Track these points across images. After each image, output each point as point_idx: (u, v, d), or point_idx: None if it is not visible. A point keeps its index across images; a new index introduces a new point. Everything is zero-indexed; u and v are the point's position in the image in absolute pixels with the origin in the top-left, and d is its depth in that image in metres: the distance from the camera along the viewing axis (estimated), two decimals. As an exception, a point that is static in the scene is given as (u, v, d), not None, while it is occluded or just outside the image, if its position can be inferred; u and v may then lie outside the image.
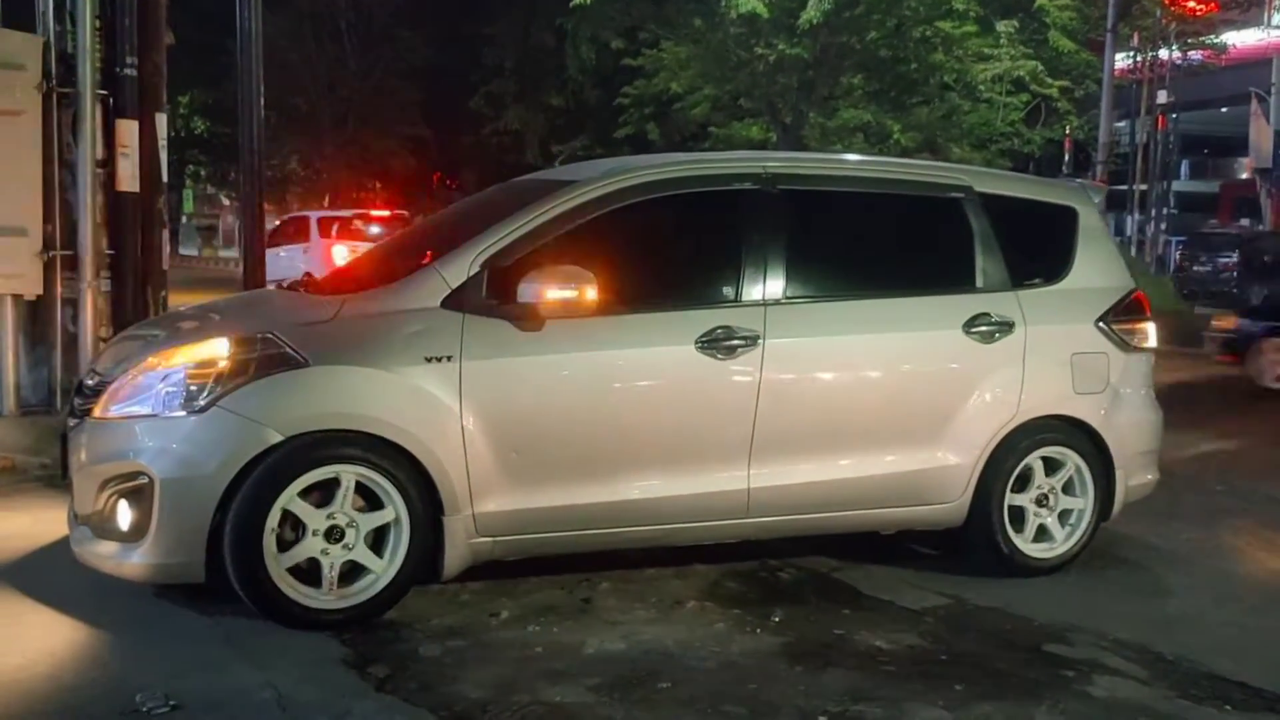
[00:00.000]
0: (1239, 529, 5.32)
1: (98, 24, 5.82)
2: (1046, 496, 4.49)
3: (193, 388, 3.57)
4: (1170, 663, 3.62)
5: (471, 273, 3.80)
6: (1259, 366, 9.91)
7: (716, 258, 4.22)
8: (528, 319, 3.79)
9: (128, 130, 5.85)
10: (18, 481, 5.46)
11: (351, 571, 3.64)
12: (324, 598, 3.58)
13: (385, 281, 3.94)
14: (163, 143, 6.11)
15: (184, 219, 39.98)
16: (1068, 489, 4.52)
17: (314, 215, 18.25)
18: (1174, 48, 25.20)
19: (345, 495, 3.61)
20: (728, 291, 4.13)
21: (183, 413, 3.56)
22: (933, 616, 3.99)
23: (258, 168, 7.38)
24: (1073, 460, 4.49)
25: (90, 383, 3.94)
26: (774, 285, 4.14)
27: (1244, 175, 32.87)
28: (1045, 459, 4.48)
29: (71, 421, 3.96)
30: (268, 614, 3.55)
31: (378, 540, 3.68)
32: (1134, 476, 4.65)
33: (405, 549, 3.66)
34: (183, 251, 34.65)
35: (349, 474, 3.60)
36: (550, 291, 3.74)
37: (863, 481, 4.22)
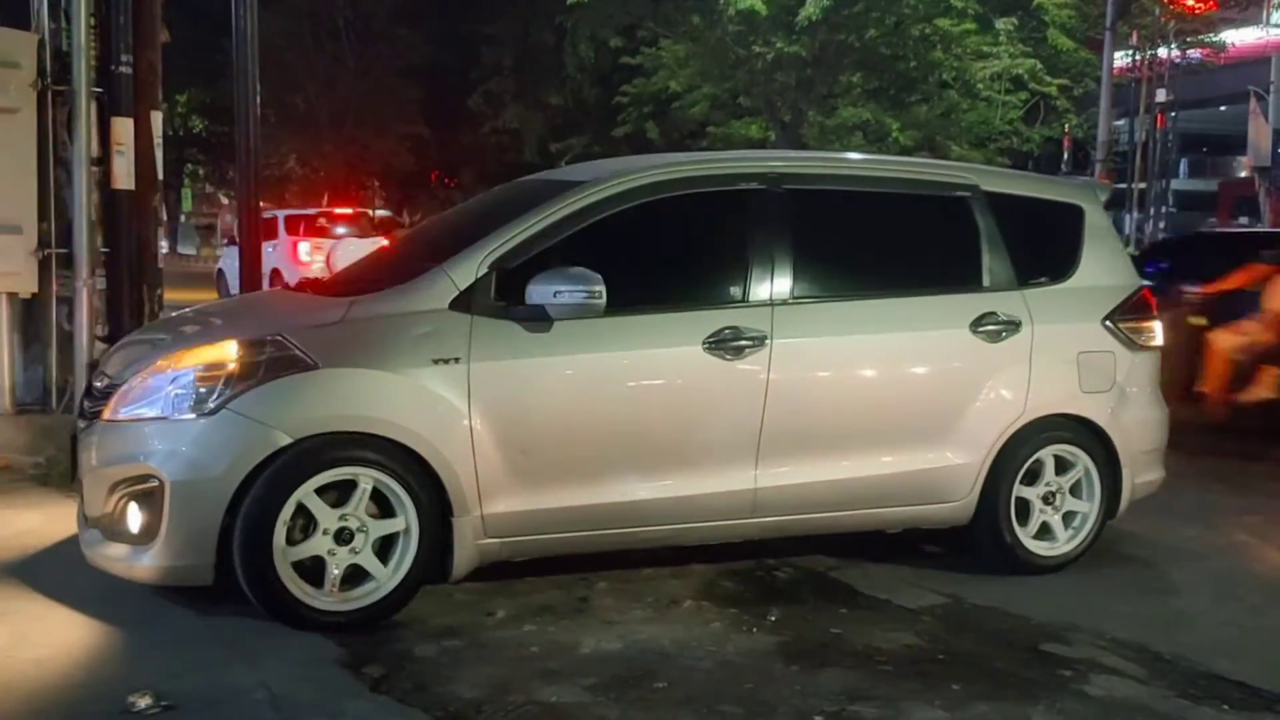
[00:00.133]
0: (1238, 527, 5.30)
1: (93, 21, 5.78)
2: (1054, 495, 4.50)
3: (202, 390, 3.57)
4: (1168, 662, 3.61)
5: (479, 274, 3.79)
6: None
7: (724, 258, 4.21)
8: (535, 320, 3.78)
9: (123, 128, 5.82)
10: (13, 480, 5.45)
11: (354, 575, 3.63)
12: (324, 598, 3.58)
13: (393, 283, 3.93)
14: (158, 140, 6.08)
15: (183, 217, 39.95)
16: (1075, 491, 4.53)
17: (281, 214, 18.89)
18: (1173, 46, 25.18)
19: (361, 498, 3.62)
20: (735, 292, 4.12)
21: (192, 415, 3.55)
22: (930, 615, 3.98)
23: (253, 167, 7.35)
24: (1083, 462, 4.50)
25: (99, 385, 3.94)
26: (781, 285, 4.14)
27: (1243, 174, 32.85)
28: (1056, 457, 4.48)
29: (81, 424, 3.96)
30: (274, 614, 3.54)
31: (384, 547, 3.67)
32: (1140, 475, 4.65)
33: (410, 560, 3.66)
34: (181, 250, 34.64)
35: (367, 477, 3.60)
36: (558, 293, 3.73)
37: (870, 481, 4.22)
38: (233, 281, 18.59)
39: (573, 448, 3.87)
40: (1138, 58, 25.46)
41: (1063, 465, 4.52)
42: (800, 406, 4.11)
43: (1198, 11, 24.36)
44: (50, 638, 3.51)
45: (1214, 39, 25.60)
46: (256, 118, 7.22)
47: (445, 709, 3.09)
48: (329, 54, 27.61)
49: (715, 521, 4.10)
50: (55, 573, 4.08)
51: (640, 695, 3.23)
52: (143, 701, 3.02)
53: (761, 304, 4.10)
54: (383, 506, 3.67)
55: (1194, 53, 25.62)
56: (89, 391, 4.06)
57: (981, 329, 4.37)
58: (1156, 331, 4.74)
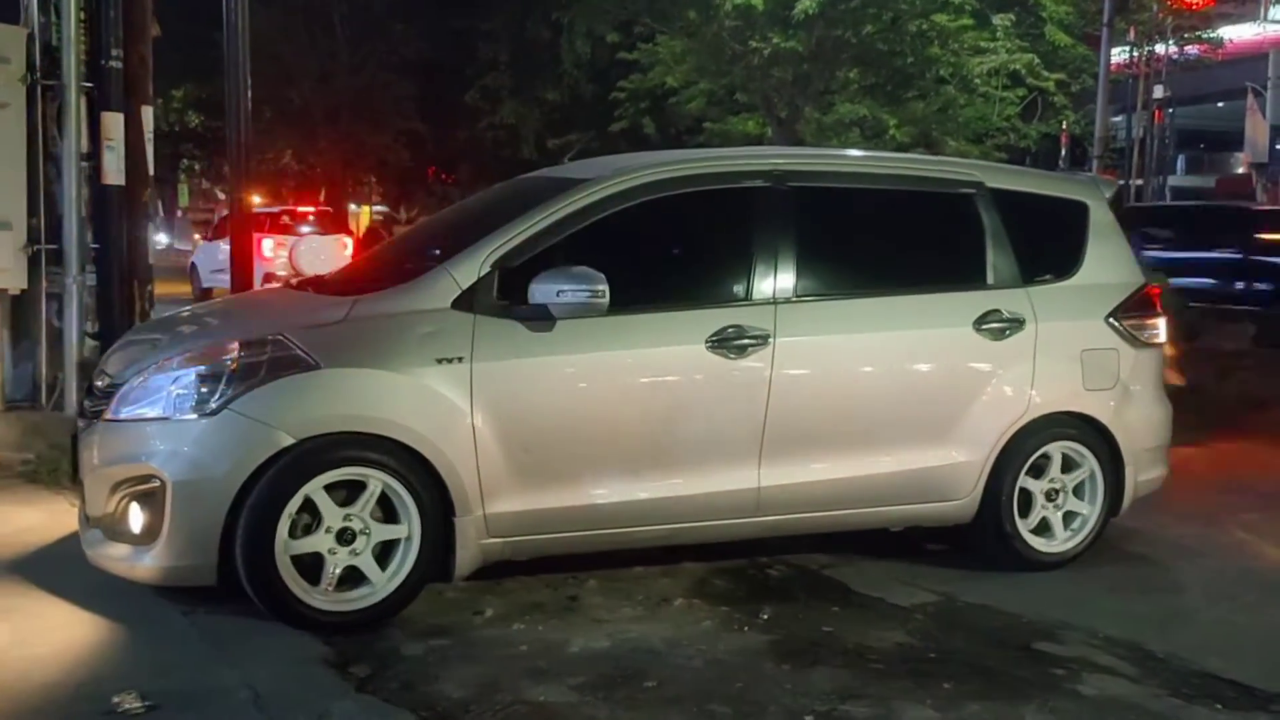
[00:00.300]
0: (1233, 525, 5.28)
1: (82, 15, 5.76)
2: (1057, 492, 4.49)
3: (204, 390, 3.56)
4: (1161, 660, 3.59)
5: (482, 273, 3.77)
6: None
7: (727, 256, 4.20)
8: (538, 319, 3.76)
9: (113, 123, 5.79)
10: (3, 478, 5.41)
11: (351, 577, 3.61)
12: (318, 596, 3.55)
13: (395, 281, 3.91)
14: (149, 135, 6.06)
15: (179, 213, 39.93)
16: (1078, 491, 4.53)
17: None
18: (1170, 42, 25.17)
19: (369, 500, 3.60)
20: (738, 290, 4.11)
21: (194, 415, 3.54)
22: (922, 614, 3.96)
23: (244, 161, 7.32)
24: (1089, 463, 4.49)
25: (100, 384, 3.93)
26: (784, 283, 4.12)
27: (1240, 170, 32.86)
28: (1062, 454, 4.48)
29: (82, 424, 3.95)
30: (274, 612, 3.52)
31: (384, 552, 3.65)
32: (1143, 472, 4.65)
33: (408, 568, 3.64)
34: (178, 246, 34.57)
35: (376, 480, 3.58)
36: (561, 292, 3.71)
37: (873, 479, 4.21)
38: (204, 275, 19.55)
39: (575, 447, 3.85)
40: (1135, 54, 25.45)
41: (1068, 464, 4.52)
42: (803, 405, 4.10)
43: (1195, 7, 24.34)
44: (40, 636, 3.49)
45: (1211, 35, 25.57)
46: (248, 112, 7.19)
47: (432, 709, 3.07)
48: (324, 49, 27.49)
49: (718, 520, 4.09)
50: (49, 570, 4.06)
51: (629, 694, 3.20)
52: (128, 701, 2.99)
53: (764, 302, 4.08)
54: (387, 510, 3.65)
55: (1191, 49, 25.61)
56: (90, 391, 4.05)
57: (985, 327, 4.35)
58: (1160, 329, 4.73)
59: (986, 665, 3.50)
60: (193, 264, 21.00)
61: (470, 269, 3.79)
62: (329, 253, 17.77)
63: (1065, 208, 4.75)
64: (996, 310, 4.39)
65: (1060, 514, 4.52)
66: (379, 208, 38.88)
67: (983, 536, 4.45)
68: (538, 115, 26.80)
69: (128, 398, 3.69)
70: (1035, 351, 4.41)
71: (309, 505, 3.56)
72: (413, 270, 3.95)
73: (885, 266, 4.47)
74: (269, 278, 16.46)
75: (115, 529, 3.64)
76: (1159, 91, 25.35)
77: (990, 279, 4.46)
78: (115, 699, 3.00)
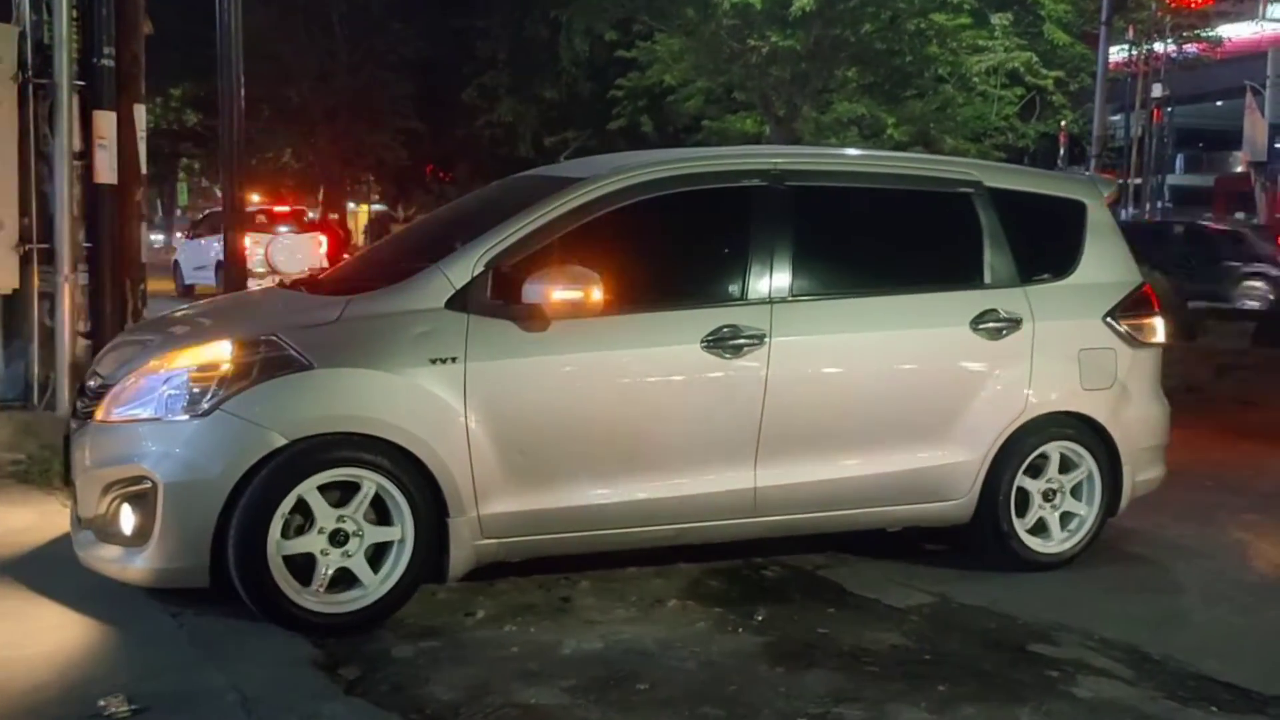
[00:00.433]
0: (1229, 526, 5.27)
1: (74, 13, 5.73)
2: (1054, 492, 4.47)
3: (195, 391, 3.53)
4: (1157, 663, 3.57)
5: (476, 273, 3.75)
6: None
7: (723, 255, 4.17)
8: (533, 320, 3.74)
9: (105, 122, 5.76)
10: (-7, 477, 5.39)
11: (342, 579, 3.59)
12: (309, 597, 3.53)
13: (389, 281, 3.88)
14: (142, 134, 6.03)
15: (179, 211, 39.86)
16: (1075, 492, 4.51)
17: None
18: (1169, 41, 25.16)
19: (362, 502, 3.58)
20: (734, 290, 4.08)
21: (185, 416, 3.51)
22: (918, 615, 3.93)
23: (238, 159, 7.30)
24: (1087, 464, 4.48)
25: (93, 385, 3.91)
26: (781, 283, 4.10)
27: (1239, 169, 32.86)
28: (1060, 454, 4.47)
29: (74, 424, 3.93)
30: (266, 613, 3.50)
31: (377, 554, 3.63)
32: (1141, 473, 4.63)
33: (401, 571, 3.62)
34: (175, 244, 34.52)
35: (370, 481, 3.56)
36: (555, 291, 3.69)
37: (870, 479, 4.19)
38: (187, 272, 20.29)
39: (570, 447, 3.83)
40: (1134, 52, 25.44)
41: (1066, 464, 4.50)
42: (800, 405, 4.08)
43: (1194, 6, 24.34)
44: (30, 637, 3.47)
45: (1210, 34, 25.58)
46: (241, 111, 7.17)
47: (422, 711, 3.05)
48: (323, 48, 27.46)
49: (715, 521, 4.06)
50: (40, 572, 4.03)
51: (621, 697, 3.18)
52: (115, 704, 2.97)
53: (760, 302, 4.06)
54: (380, 511, 3.63)
55: (1190, 47, 25.61)
56: (82, 391, 4.02)
57: (982, 326, 4.33)
58: (1158, 328, 4.71)
59: (982, 667, 3.48)
60: (175, 262, 21.51)
61: (464, 269, 3.76)
62: (304, 251, 18.75)
63: (1063, 207, 4.73)
64: (994, 310, 4.37)
65: (1057, 514, 4.50)
66: (377, 205, 38.86)
67: (980, 537, 4.43)
68: (535, 113, 26.78)
69: (120, 398, 3.66)
70: (1032, 351, 4.39)
71: (301, 506, 3.53)
72: (406, 270, 3.93)
73: (882, 266, 4.45)
74: (246, 274, 16.66)
75: (107, 530, 3.62)
76: (1157, 90, 25.35)
77: (987, 278, 4.45)
78: (102, 702, 2.98)
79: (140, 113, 6.03)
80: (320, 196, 32.59)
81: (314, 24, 26.88)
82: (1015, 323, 4.38)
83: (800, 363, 4.09)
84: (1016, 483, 4.40)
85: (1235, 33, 27.64)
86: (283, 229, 19.19)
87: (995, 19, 18.55)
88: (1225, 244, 19.24)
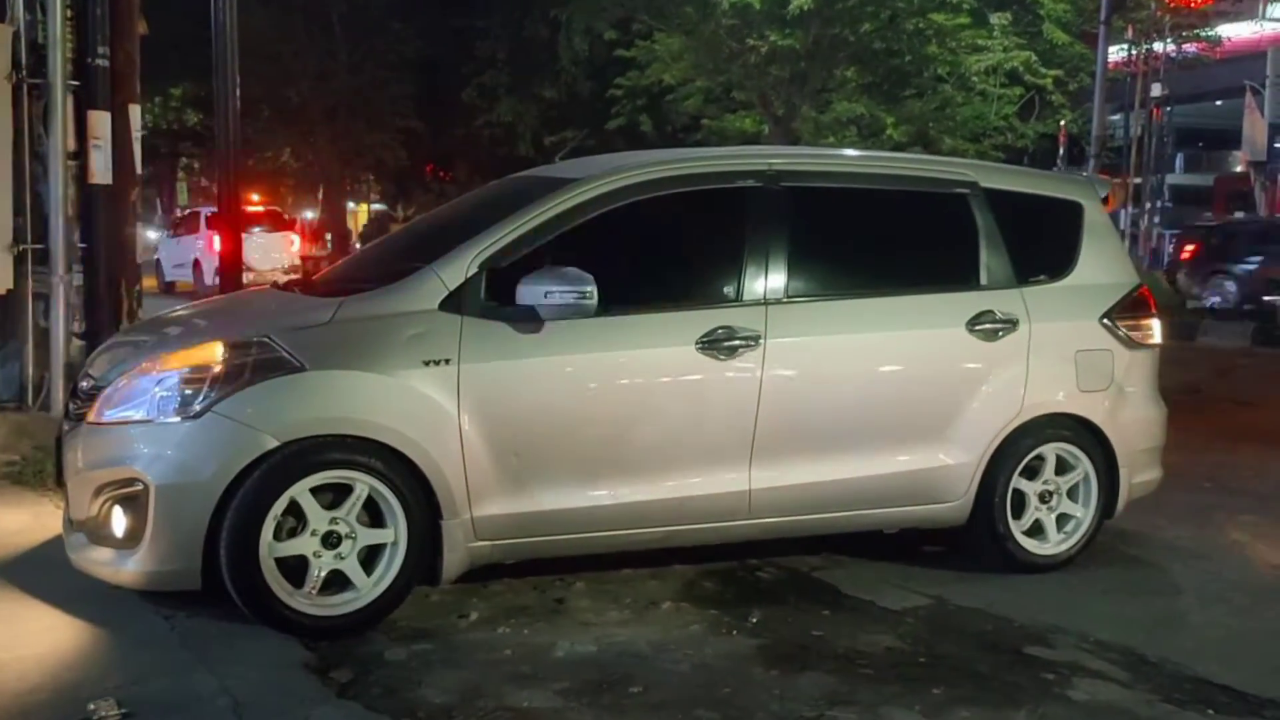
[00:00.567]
0: (1227, 528, 5.25)
1: (69, 13, 5.73)
2: (1050, 494, 4.46)
3: (187, 392, 3.51)
4: (1153, 665, 3.55)
5: (469, 274, 3.73)
6: None
7: (718, 256, 4.16)
8: (526, 321, 3.73)
9: (100, 121, 5.75)
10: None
11: (334, 581, 3.57)
12: (301, 599, 3.52)
13: (382, 282, 3.87)
14: (136, 135, 6.02)
15: (178, 211, 39.83)
16: (1072, 494, 4.49)
17: (204, 210, 21.50)
18: (1168, 40, 25.13)
19: (355, 504, 3.56)
20: (729, 291, 4.07)
21: (177, 418, 3.49)
22: (913, 617, 3.92)
23: (233, 158, 7.28)
24: (1083, 466, 4.46)
25: (85, 386, 3.89)
26: (776, 284, 4.08)
27: (1238, 168, 32.84)
28: (1057, 456, 4.45)
29: (66, 426, 3.91)
30: (258, 615, 3.48)
31: (370, 556, 3.61)
32: (1138, 474, 4.61)
33: (394, 573, 3.60)
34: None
35: (363, 483, 3.54)
36: (549, 293, 3.67)
37: (865, 481, 4.17)
38: (168, 270, 21.36)
39: (564, 449, 3.81)
40: (1133, 52, 25.42)
41: (1062, 465, 4.48)
42: (795, 407, 4.06)
43: (1194, 5, 24.31)
44: (20, 640, 3.45)
45: (1209, 33, 25.55)
46: (236, 110, 7.15)
47: (414, 714, 3.03)
48: (322, 48, 27.45)
49: (710, 523, 4.05)
50: (32, 573, 4.02)
51: (615, 700, 3.16)
52: (104, 708, 2.95)
53: (755, 303, 4.04)
54: (373, 514, 3.61)
55: (1189, 47, 25.58)
56: (74, 393, 4.01)
57: (978, 327, 4.32)
58: (1155, 329, 4.70)
59: (977, 670, 3.47)
60: (157, 260, 22.32)
61: (457, 270, 3.75)
62: (277, 249, 20.20)
63: (1060, 208, 4.72)
64: (990, 311, 4.35)
65: (1054, 516, 4.48)
66: (377, 205, 38.84)
67: (976, 539, 4.42)
68: (535, 113, 26.77)
69: (111, 400, 3.65)
70: (1029, 352, 4.37)
71: (294, 508, 3.52)
72: (399, 271, 3.91)
73: (878, 267, 4.43)
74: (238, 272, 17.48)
75: (99, 533, 3.60)
76: (1157, 90, 25.31)
77: (984, 279, 4.43)
78: (92, 705, 2.96)
79: (135, 113, 6.03)
80: (320, 196, 32.58)
81: (314, 24, 26.86)
82: (1011, 324, 4.37)
83: (795, 364, 4.07)
84: (1013, 484, 4.38)
85: (1235, 32, 27.60)
86: (256, 229, 19.87)
87: (994, 18, 18.55)
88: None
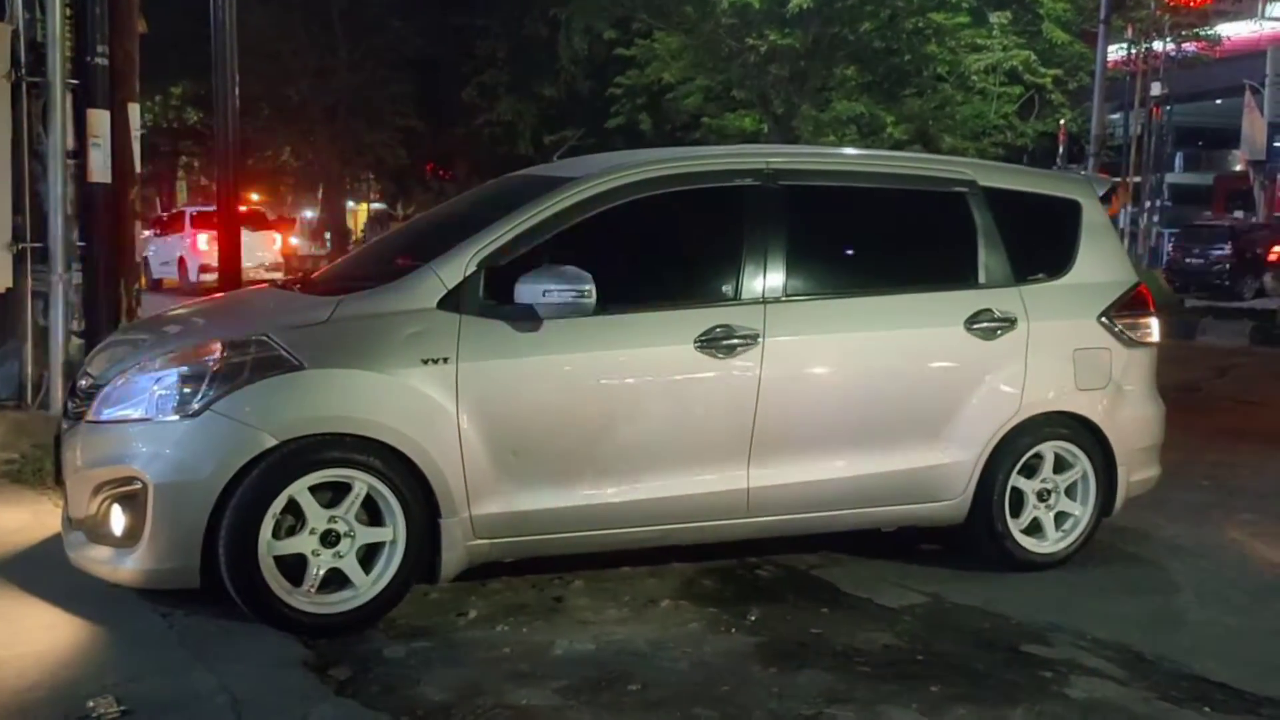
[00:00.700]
0: (1225, 526, 5.26)
1: (68, 12, 5.74)
2: (1049, 492, 4.46)
3: (186, 391, 3.51)
4: (1150, 663, 3.55)
5: (468, 272, 3.73)
6: None
7: (716, 255, 4.16)
8: (525, 320, 3.73)
9: (99, 120, 5.76)
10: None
11: (333, 579, 3.58)
12: (300, 597, 3.52)
13: (381, 281, 3.87)
14: (136, 133, 6.03)
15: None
16: (1070, 492, 4.50)
17: (189, 210, 22.68)
18: (1168, 39, 25.13)
19: (354, 502, 3.57)
20: (727, 290, 4.07)
21: (176, 417, 3.50)
22: (911, 615, 3.92)
23: (232, 157, 7.29)
24: (1082, 464, 4.47)
25: (83, 385, 3.89)
26: (774, 283, 4.08)
27: (1238, 167, 32.85)
28: (1055, 454, 4.46)
29: (65, 425, 3.91)
30: (257, 613, 3.49)
31: (369, 555, 3.62)
32: (1136, 472, 4.62)
33: (393, 572, 3.61)
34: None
35: (361, 482, 3.55)
36: (547, 291, 3.68)
37: (864, 480, 4.18)
38: (155, 267, 21.95)
39: (563, 448, 3.81)
40: (1133, 51, 25.42)
41: (1060, 464, 4.49)
42: (793, 405, 4.06)
43: (1193, 5, 24.31)
44: (19, 638, 3.45)
45: (1209, 32, 25.55)
46: (235, 109, 7.15)
47: (413, 713, 3.03)
48: (322, 46, 27.45)
49: (708, 522, 4.05)
50: (30, 571, 4.02)
51: (613, 698, 3.17)
52: (103, 706, 2.95)
53: (754, 301, 4.05)
54: (372, 512, 3.62)
55: (1189, 46, 25.58)
56: (73, 391, 4.01)
57: (977, 326, 4.32)
58: (1153, 328, 4.70)
59: (974, 668, 3.47)
60: (144, 258, 23.09)
61: (456, 268, 3.75)
62: (260, 247, 20.69)
63: (1058, 206, 4.72)
64: (988, 310, 4.36)
65: (1052, 514, 4.49)
66: (377, 205, 38.84)
67: (974, 537, 4.42)
68: (535, 111, 26.78)
69: (110, 399, 3.65)
70: (1027, 351, 4.38)
71: (293, 506, 3.52)
72: (398, 269, 3.92)
73: (876, 266, 4.44)
74: (205, 269, 19.47)
75: (97, 531, 3.61)
76: (1157, 89, 25.32)
77: (982, 278, 4.43)
78: (90, 703, 2.97)
79: (134, 112, 6.03)
80: (320, 195, 32.58)
81: (314, 22, 26.87)
82: (1010, 322, 4.37)
83: (794, 363, 4.08)
84: (1011, 483, 4.39)
85: (1234, 31, 27.62)
86: (240, 228, 20.42)
87: (994, 18, 18.55)
88: None
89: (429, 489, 3.63)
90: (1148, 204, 26.09)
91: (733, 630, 3.71)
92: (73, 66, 5.76)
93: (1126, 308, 4.62)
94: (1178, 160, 37.31)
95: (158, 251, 22.21)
